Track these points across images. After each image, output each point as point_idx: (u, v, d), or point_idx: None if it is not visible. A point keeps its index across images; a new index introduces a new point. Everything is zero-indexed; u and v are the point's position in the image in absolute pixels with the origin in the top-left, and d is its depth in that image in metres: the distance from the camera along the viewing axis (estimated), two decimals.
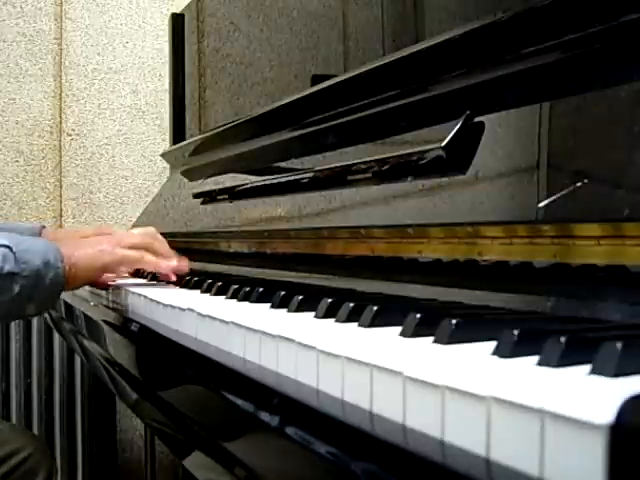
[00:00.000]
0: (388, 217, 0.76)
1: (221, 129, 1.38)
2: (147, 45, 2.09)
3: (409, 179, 0.72)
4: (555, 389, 0.32)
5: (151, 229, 1.01)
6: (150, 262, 0.95)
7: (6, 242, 0.82)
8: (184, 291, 0.93)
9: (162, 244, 0.98)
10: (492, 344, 0.41)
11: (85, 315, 1.08)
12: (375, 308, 0.53)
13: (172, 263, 0.96)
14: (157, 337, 0.74)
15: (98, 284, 1.06)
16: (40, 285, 0.83)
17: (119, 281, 1.09)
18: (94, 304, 1.07)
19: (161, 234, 1.02)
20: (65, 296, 1.28)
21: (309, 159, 0.97)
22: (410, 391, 0.36)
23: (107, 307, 1.04)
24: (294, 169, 1.00)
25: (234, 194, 1.18)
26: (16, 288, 0.81)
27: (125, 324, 0.87)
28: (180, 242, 0.88)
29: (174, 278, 0.97)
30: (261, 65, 1.26)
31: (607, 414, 0.26)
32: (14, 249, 0.81)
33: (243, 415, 0.51)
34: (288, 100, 1.07)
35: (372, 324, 0.52)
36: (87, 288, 1.16)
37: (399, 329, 0.49)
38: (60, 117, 2.02)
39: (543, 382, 0.33)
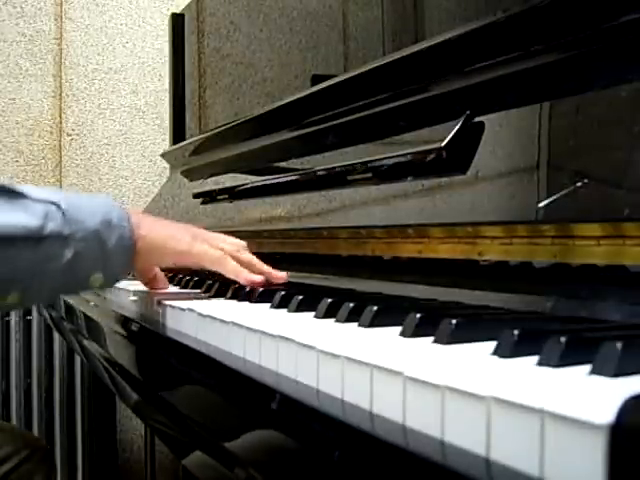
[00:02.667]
0: (388, 217, 0.76)
1: (221, 129, 1.38)
2: (147, 45, 2.09)
3: (409, 179, 0.72)
4: (555, 389, 0.32)
5: (242, 242, 0.84)
6: (232, 269, 0.78)
7: (53, 198, 0.68)
8: (185, 290, 0.93)
9: (251, 258, 0.81)
10: (492, 344, 0.41)
11: (85, 315, 1.08)
12: (375, 308, 0.53)
13: (256, 278, 0.78)
14: (157, 337, 0.74)
15: (153, 282, 0.88)
16: (103, 250, 0.69)
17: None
18: (94, 304, 1.07)
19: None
20: (65, 296, 1.28)
21: (309, 159, 0.97)
22: (410, 391, 0.36)
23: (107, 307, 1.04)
24: (294, 169, 1.00)
25: (234, 194, 1.18)
26: (68, 254, 0.67)
27: (125, 324, 0.87)
28: None
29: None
30: (261, 65, 1.26)
31: (607, 414, 0.26)
32: (63, 206, 0.68)
33: (243, 415, 0.51)
34: (288, 100, 1.07)
35: (372, 324, 0.52)
36: None
37: (399, 329, 0.49)
38: (60, 117, 2.02)
39: (543, 382, 0.33)
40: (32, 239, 0.66)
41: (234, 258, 0.79)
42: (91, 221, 0.69)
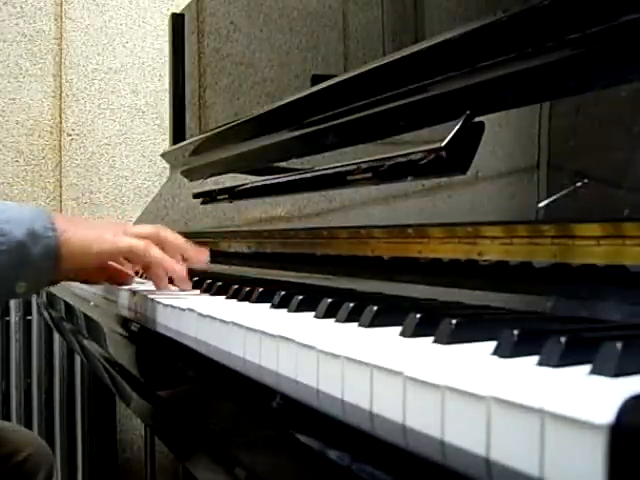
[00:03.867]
0: (388, 217, 0.76)
1: (221, 129, 1.38)
2: (147, 45, 2.10)
3: (409, 179, 0.72)
4: (555, 389, 0.32)
5: (160, 226, 0.86)
6: (156, 257, 0.79)
7: None
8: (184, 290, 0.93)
9: (176, 237, 0.83)
10: (492, 344, 0.41)
11: (85, 315, 1.08)
12: (375, 308, 0.53)
13: (177, 267, 0.81)
14: (157, 337, 0.74)
15: (91, 277, 0.91)
16: (26, 260, 0.71)
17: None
18: (94, 304, 1.07)
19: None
20: (65, 296, 1.28)
21: (309, 159, 0.97)
22: (410, 391, 0.36)
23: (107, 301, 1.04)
24: (294, 169, 1.00)
25: (234, 194, 1.18)
26: None
27: (125, 324, 0.87)
28: None
29: (187, 286, 0.85)
30: (261, 65, 1.26)
31: (607, 414, 0.26)
32: None
33: (243, 415, 0.51)
34: (288, 100, 1.07)
35: (372, 324, 0.52)
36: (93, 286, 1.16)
37: (399, 329, 0.49)
38: (60, 117, 2.02)
39: (543, 382, 0.33)
40: None
41: (159, 240, 0.81)
42: (16, 232, 0.71)
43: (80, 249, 0.76)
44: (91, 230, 0.78)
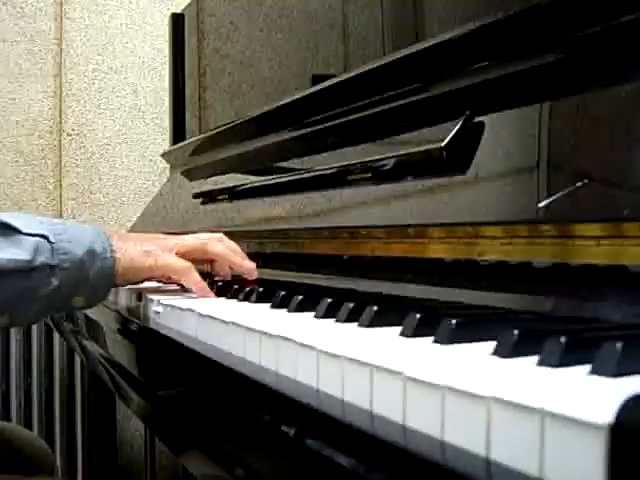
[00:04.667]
0: (388, 217, 0.76)
1: (221, 129, 1.38)
2: (147, 45, 2.09)
3: (409, 179, 0.72)
4: (555, 389, 0.32)
5: (212, 238, 0.88)
6: (193, 281, 0.83)
7: (43, 232, 0.76)
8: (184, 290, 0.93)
9: (226, 249, 0.86)
10: (492, 344, 0.41)
11: (85, 315, 1.08)
12: (375, 308, 0.53)
13: (210, 295, 0.83)
14: (157, 337, 0.74)
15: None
16: (85, 277, 0.77)
17: None
18: None
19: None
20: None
21: (309, 159, 0.97)
22: (410, 391, 0.36)
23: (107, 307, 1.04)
24: (294, 169, 1.00)
25: (234, 194, 1.18)
26: (54, 282, 0.75)
27: (125, 324, 0.87)
28: None
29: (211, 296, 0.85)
30: (261, 65, 1.26)
31: (607, 414, 0.26)
32: (52, 239, 0.75)
33: (243, 415, 0.51)
34: (288, 100, 1.07)
35: (372, 324, 0.52)
36: None
37: (399, 329, 0.49)
38: (60, 117, 2.02)
39: (543, 382, 0.33)
40: (22, 271, 0.74)
41: (206, 255, 0.86)
42: (77, 251, 0.76)
43: (129, 265, 0.81)
44: (139, 245, 0.83)
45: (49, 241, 0.75)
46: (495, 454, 0.31)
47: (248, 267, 0.87)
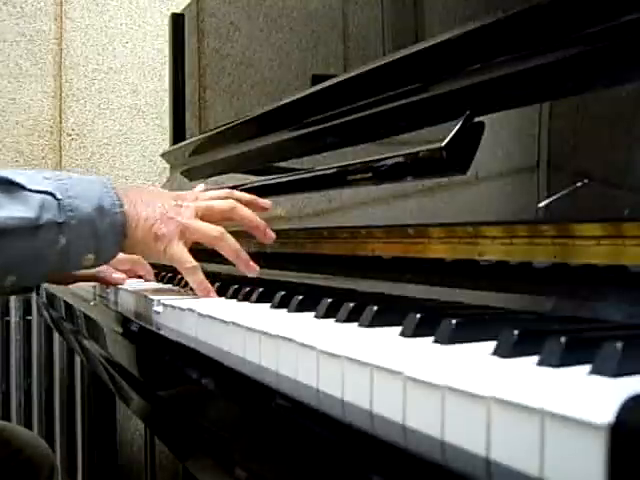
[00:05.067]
0: (388, 217, 0.76)
1: (221, 129, 1.38)
2: (147, 45, 2.10)
3: (409, 179, 0.72)
4: (555, 389, 0.32)
5: (224, 190, 0.87)
6: (230, 248, 0.80)
7: (49, 188, 0.72)
8: (184, 290, 0.93)
9: (230, 247, 0.82)
10: (492, 344, 0.41)
11: (85, 315, 1.08)
12: (375, 308, 0.53)
13: (251, 264, 0.82)
14: (157, 337, 0.74)
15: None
16: (94, 233, 0.74)
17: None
18: (94, 304, 1.07)
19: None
20: (65, 296, 1.28)
21: (309, 159, 0.97)
22: (410, 391, 0.36)
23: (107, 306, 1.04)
24: (294, 169, 1.00)
25: None
26: (62, 240, 0.72)
27: (125, 324, 0.87)
28: None
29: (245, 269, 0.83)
30: (261, 65, 1.26)
31: (607, 414, 0.26)
32: (58, 195, 0.72)
33: (243, 415, 0.51)
34: (288, 100, 1.07)
35: (372, 324, 0.52)
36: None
37: (399, 329, 0.49)
38: (60, 117, 2.02)
39: (543, 382, 0.33)
40: (28, 229, 0.70)
41: (235, 217, 0.83)
42: (85, 207, 0.73)
43: (140, 243, 0.78)
44: (153, 207, 0.79)
45: (55, 198, 0.72)
46: (495, 454, 0.31)
47: (267, 231, 0.85)
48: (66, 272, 0.86)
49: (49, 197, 0.72)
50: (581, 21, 0.57)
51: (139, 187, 0.93)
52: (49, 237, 0.71)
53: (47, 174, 0.75)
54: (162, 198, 0.82)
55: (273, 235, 0.86)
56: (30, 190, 0.72)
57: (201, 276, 0.81)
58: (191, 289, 0.89)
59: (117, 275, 0.97)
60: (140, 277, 1.07)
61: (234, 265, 0.84)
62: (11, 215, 0.70)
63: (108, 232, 0.75)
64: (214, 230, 0.81)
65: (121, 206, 0.76)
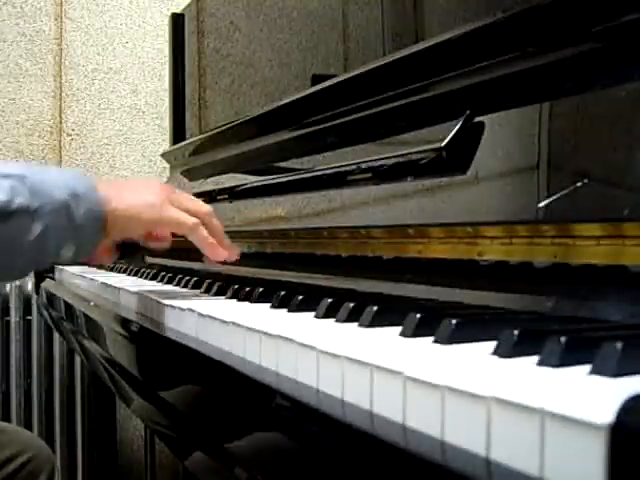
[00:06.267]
0: (388, 217, 0.76)
1: (221, 129, 1.38)
2: (147, 45, 2.09)
3: (409, 179, 0.72)
4: (555, 389, 0.32)
5: (210, 208, 0.82)
6: (203, 238, 0.78)
7: (17, 172, 0.68)
8: (184, 290, 0.93)
9: (218, 227, 0.81)
10: (492, 344, 0.41)
11: (85, 315, 1.08)
12: (375, 308, 0.53)
13: (221, 252, 0.80)
14: (157, 337, 0.74)
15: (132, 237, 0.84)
16: (72, 221, 0.70)
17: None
18: (94, 304, 1.07)
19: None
20: (65, 296, 1.28)
21: (309, 159, 0.97)
22: (410, 391, 0.36)
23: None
24: (294, 169, 1.00)
25: (234, 194, 1.18)
26: (37, 228, 0.68)
27: (125, 324, 0.87)
28: (179, 242, 0.87)
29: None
30: (261, 65, 1.26)
31: (607, 414, 0.26)
32: (28, 180, 0.68)
33: (243, 415, 0.51)
34: (288, 100, 1.07)
35: (372, 324, 0.52)
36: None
37: (399, 329, 0.49)
38: (60, 117, 2.02)
39: (543, 382, 0.33)
40: (0, 215, 0.67)
41: (206, 224, 0.79)
42: (58, 193, 0.70)
43: (126, 218, 0.75)
44: (134, 193, 0.77)
45: (25, 182, 0.68)
46: (495, 454, 0.31)
47: (218, 256, 0.80)
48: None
49: (19, 183, 0.68)
50: (581, 21, 0.57)
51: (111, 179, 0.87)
52: (22, 225, 0.67)
53: (19, 163, 0.72)
54: (137, 181, 0.80)
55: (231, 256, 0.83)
56: None
57: (205, 232, 0.78)
58: (191, 289, 0.89)
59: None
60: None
61: (233, 264, 0.85)
62: None
63: (87, 219, 0.71)
64: (197, 203, 0.80)
65: (96, 190, 0.73)
